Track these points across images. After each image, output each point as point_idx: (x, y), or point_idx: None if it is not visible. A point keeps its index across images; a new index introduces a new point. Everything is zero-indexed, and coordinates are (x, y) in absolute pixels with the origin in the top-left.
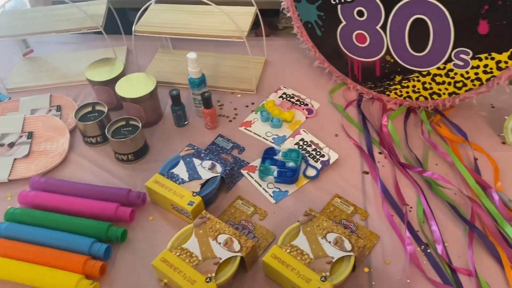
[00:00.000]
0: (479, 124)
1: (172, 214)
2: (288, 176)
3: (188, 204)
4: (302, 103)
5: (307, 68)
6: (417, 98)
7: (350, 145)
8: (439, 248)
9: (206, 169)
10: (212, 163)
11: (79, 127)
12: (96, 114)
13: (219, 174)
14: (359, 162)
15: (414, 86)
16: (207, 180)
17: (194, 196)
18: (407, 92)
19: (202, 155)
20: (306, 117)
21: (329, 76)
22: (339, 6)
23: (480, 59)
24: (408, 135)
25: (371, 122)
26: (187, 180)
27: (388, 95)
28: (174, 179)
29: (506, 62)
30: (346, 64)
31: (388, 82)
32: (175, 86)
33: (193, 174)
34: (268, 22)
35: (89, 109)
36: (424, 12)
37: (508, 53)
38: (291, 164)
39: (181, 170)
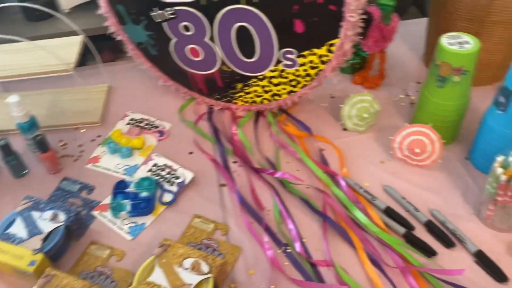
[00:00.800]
0: (322, 115)
1: (16, 279)
2: (142, 207)
3: (29, 265)
4: (152, 126)
5: (154, 88)
6: (261, 102)
7: (205, 160)
8: (297, 245)
9: (47, 221)
10: (53, 212)
11: None
12: None
13: (62, 223)
14: (216, 175)
15: (255, 91)
16: (50, 233)
17: (35, 254)
18: (251, 98)
19: (42, 205)
20: (158, 140)
21: (177, 93)
22: (164, 24)
23: (305, 56)
24: (259, 139)
25: (224, 133)
26: (27, 237)
27: (236, 103)
28: (11, 240)
29: (326, 56)
30: (189, 79)
31: (231, 91)
32: (9, 133)
33: (33, 230)
34: (112, 46)
35: None
36: (244, 19)
37: (326, 46)
38: (144, 194)
39: (18, 228)
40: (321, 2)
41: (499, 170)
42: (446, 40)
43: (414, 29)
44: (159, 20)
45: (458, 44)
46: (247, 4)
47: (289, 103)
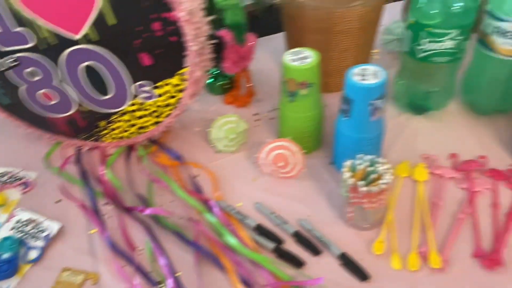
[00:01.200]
0: (195, 140)
1: None
2: (4, 270)
3: None
4: (15, 179)
5: (17, 137)
6: (129, 137)
7: (74, 207)
8: (170, 282)
9: None
10: None
11: None
12: None
13: None
14: (85, 222)
15: (119, 126)
16: None
17: None
18: (118, 134)
19: None
20: (23, 193)
21: (42, 139)
22: (8, 72)
23: (160, 87)
24: (131, 175)
25: (94, 174)
26: None
27: (104, 141)
28: None
29: (181, 84)
30: (49, 123)
31: (96, 130)
32: None
33: None
34: None
35: None
36: (88, 59)
37: (178, 76)
38: (6, 255)
39: None
40: (161, 34)
41: (347, 175)
42: (289, 57)
43: (280, 43)
44: (2, 69)
45: (300, 59)
46: (87, 43)
47: (157, 134)
